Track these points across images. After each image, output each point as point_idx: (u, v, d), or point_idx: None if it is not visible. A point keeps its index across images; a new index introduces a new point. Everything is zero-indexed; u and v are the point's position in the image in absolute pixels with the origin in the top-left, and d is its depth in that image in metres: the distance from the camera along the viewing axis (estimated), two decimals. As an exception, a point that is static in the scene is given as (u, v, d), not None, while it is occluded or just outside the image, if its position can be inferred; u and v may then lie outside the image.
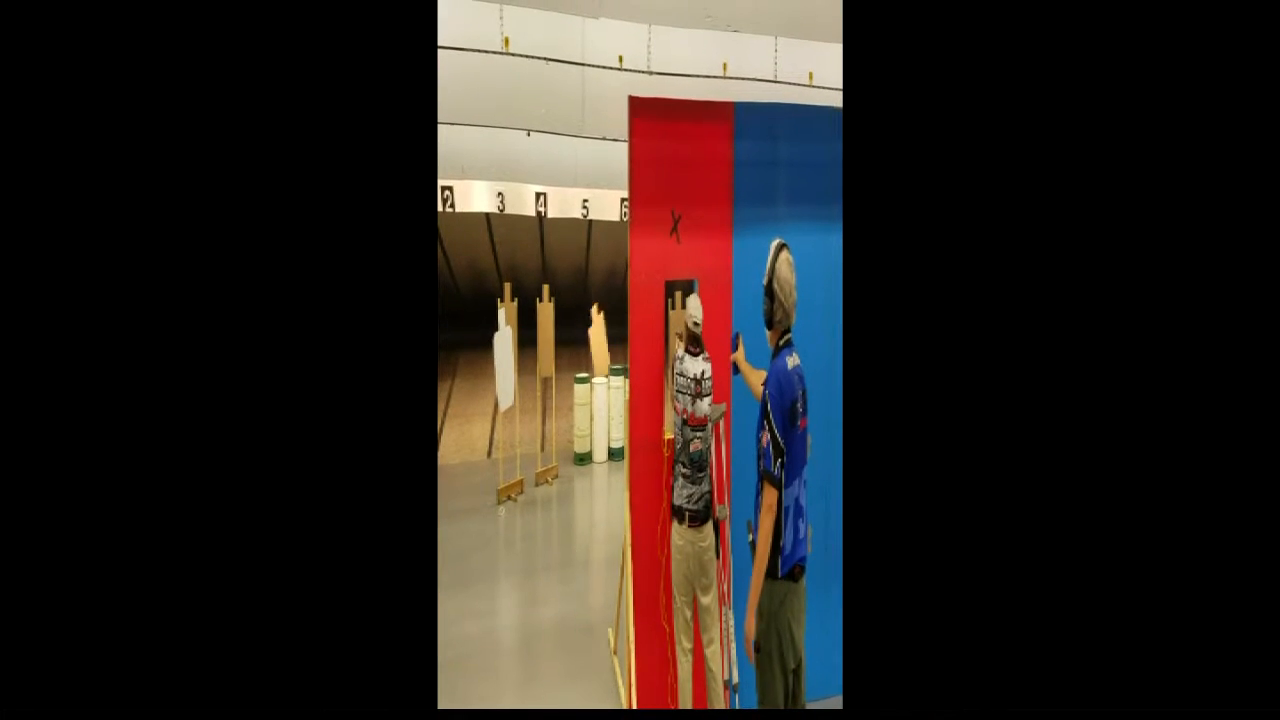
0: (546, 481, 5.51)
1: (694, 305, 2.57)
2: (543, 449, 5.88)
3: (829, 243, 2.84)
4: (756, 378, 2.41)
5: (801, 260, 2.26)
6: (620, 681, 3.04)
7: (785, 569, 2.09)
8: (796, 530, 2.11)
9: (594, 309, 5.72)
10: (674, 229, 2.70)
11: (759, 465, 2.09)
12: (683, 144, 2.69)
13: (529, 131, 5.32)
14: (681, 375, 2.53)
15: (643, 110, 2.61)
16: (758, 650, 2.10)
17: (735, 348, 2.69)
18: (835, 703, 2.80)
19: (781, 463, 2.04)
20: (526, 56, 4.80)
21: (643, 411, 2.73)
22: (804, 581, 2.15)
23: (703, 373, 2.52)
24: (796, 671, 2.15)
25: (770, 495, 2.04)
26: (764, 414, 2.07)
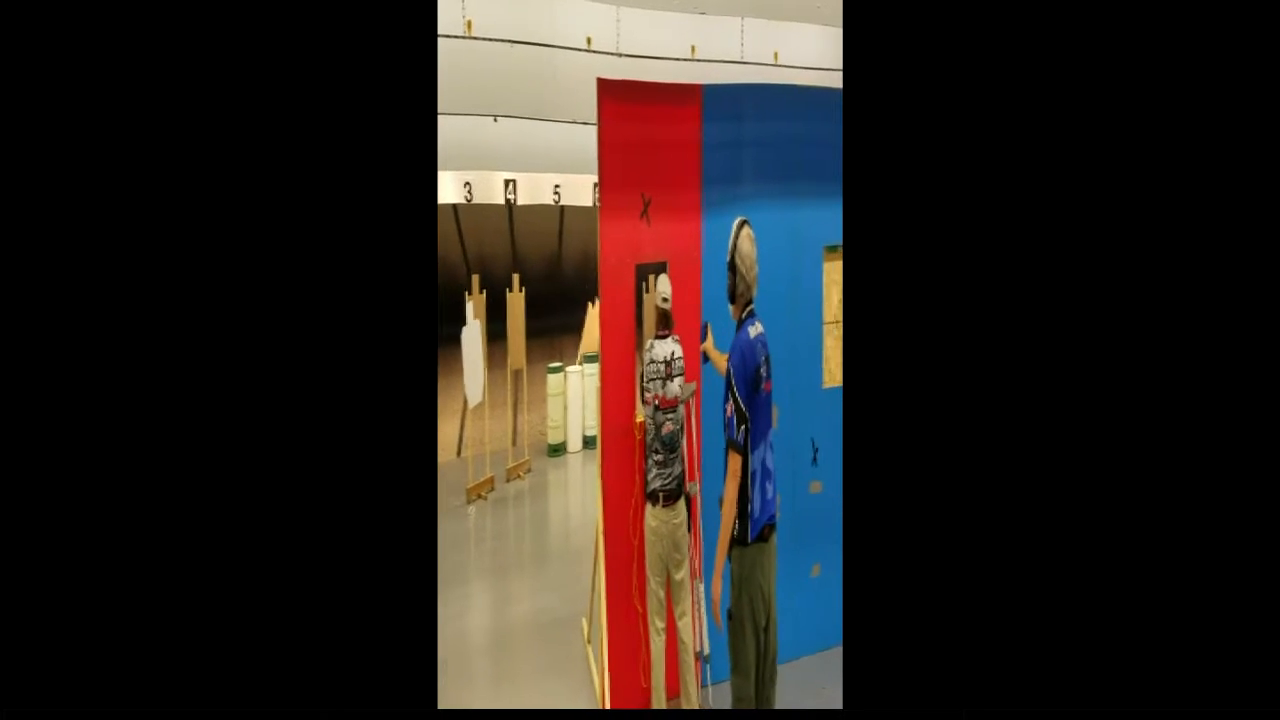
0: (518, 476, 5.43)
1: (663, 283, 2.54)
2: (514, 443, 5.79)
3: (794, 218, 2.88)
4: (724, 361, 2.40)
5: (767, 235, 2.28)
6: (594, 670, 2.99)
7: (755, 532, 2.13)
8: (764, 492, 2.15)
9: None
10: (644, 212, 2.65)
11: (725, 434, 2.14)
12: (652, 127, 2.64)
13: (495, 117, 5.22)
14: (652, 362, 2.49)
15: (611, 92, 2.55)
16: (730, 618, 2.14)
17: (704, 338, 2.67)
18: (805, 663, 2.95)
19: (745, 429, 2.10)
20: (491, 40, 4.69)
21: (614, 396, 2.69)
22: (774, 539, 2.19)
23: (672, 354, 2.49)
24: (767, 628, 2.18)
25: (735, 461, 2.10)
26: (729, 385, 2.13)
